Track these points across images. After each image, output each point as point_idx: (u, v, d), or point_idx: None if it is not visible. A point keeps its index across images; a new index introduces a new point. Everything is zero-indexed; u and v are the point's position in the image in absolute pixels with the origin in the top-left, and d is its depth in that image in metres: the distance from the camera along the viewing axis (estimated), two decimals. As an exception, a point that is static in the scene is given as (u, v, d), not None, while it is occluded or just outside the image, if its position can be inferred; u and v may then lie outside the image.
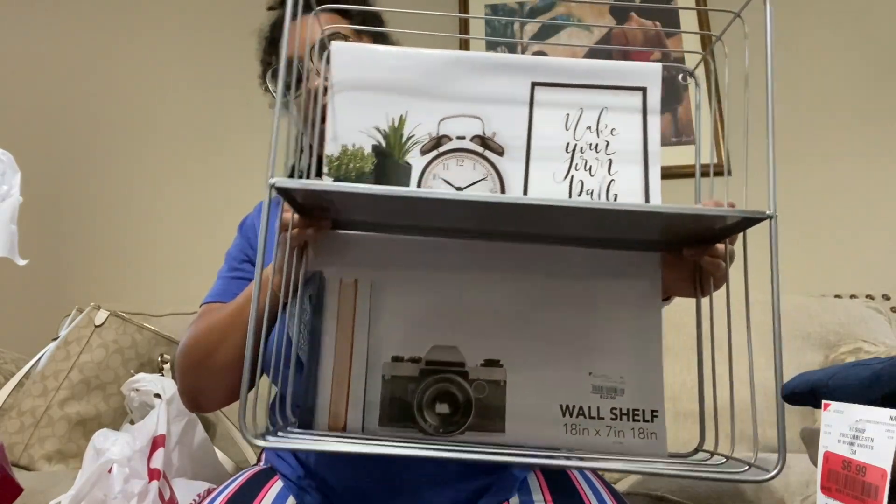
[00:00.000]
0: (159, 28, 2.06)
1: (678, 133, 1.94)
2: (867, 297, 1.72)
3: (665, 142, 1.94)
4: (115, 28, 2.06)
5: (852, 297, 1.70)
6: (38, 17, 2.07)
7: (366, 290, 0.65)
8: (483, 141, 0.65)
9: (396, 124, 0.65)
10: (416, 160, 0.65)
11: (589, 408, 0.63)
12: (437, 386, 0.63)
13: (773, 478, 0.53)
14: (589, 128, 0.66)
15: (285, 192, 0.57)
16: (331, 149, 0.65)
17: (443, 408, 0.62)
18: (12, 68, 2.03)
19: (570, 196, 0.65)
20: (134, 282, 1.84)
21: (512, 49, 2.06)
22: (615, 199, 0.65)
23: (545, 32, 2.06)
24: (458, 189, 0.65)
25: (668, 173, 2.12)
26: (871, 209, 1.85)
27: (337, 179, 0.64)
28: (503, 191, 0.65)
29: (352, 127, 0.65)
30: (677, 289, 0.72)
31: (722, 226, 0.62)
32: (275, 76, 0.82)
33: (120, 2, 2.07)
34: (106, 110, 2.01)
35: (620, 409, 0.63)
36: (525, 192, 0.65)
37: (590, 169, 0.65)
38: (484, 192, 0.64)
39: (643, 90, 0.67)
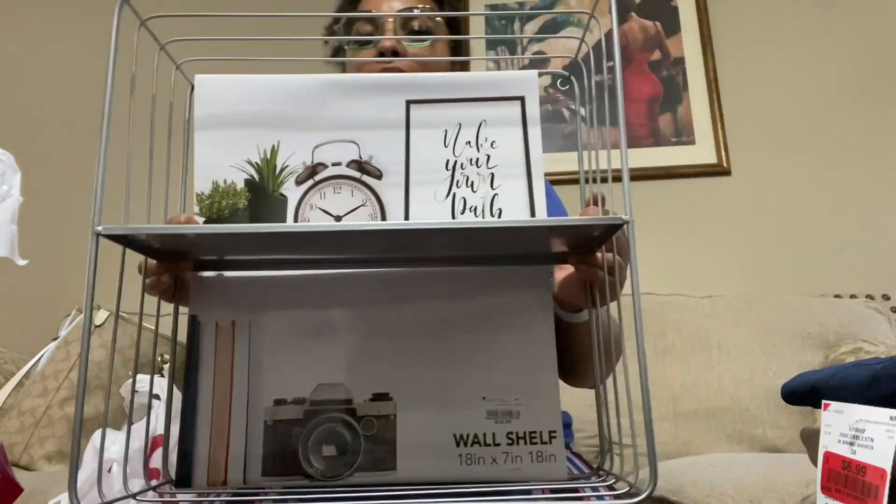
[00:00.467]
0: (161, 28, 2.06)
1: (678, 133, 1.94)
2: (867, 297, 1.72)
3: (665, 142, 1.94)
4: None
5: (852, 297, 1.70)
6: (38, 17, 2.07)
7: (244, 332, 0.62)
8: (360, 166, 0.63)
9: (269, 156, 0.62)
10: (291, 191, 0.62)
11: (484, 434, 0.60)
12: (322, 427, 0.59)
13: (639, 501, 0.50)
14: (468, 143, 0.64)
15: (120, 239, 0.54)
16: (201, 186, 0.62)
17: (330, 450, 0.59)
18: (12, 68, 2.03)
19: (452, 214, 0.62)
20: (134, 282, 1.84)
21: (511, 48, 2.06)
22: (499, 214, 0.63)
23: (544, 32, 2.06)
24: (337, 218, 0.62)
25: (668, 173, 2.12)
26: (871, 209, 1.85)
27: (209, 218, 0.61)
28: (383, 215, 0.62)
29: (221, 162, 0.62)
30: (576, 298, 0.70)
31: (593, 234, 0.59)
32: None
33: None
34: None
35: (517, 434, 0.60)
36: (406, 215, 0.62)
37: (472, 185, 0.63)
38: (360, 220, 0.61)
39: (521, 99, 0.64)
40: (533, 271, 0.65)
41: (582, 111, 0.72)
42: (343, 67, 0.98)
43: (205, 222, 0.61)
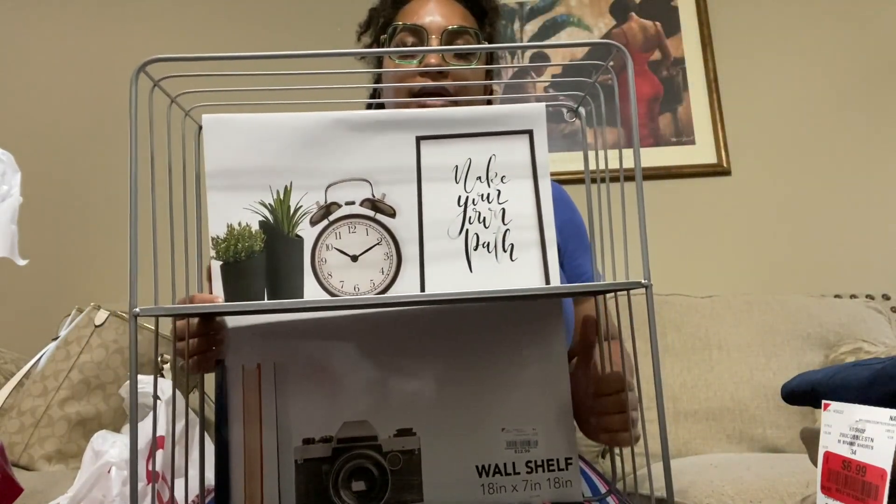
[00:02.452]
0: (160, 27, 2.06)
1: (678, 133, 1.94)
2: (867, 297, 1.72)
3: (665, 142, 1.94)
4: (114, 27, 2.06)
5: (852, 297, 1.70)
6: (38, 17, 2.07)
7: (269, 374, 0.63)
8: (373, 204, 0.63)
9: (282, 196, 0.62)
10: (306, 231, 0.62)
11: (504, 465, 0.63)
12: (351, 464, 0.62)
13: None
14: (479, 178, 0.64)
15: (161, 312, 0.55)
16: (215, 230, 0.62)
17: (359, 485, 0.61)
18: (12, 68, 2.03)
19: (465, 251, 0.63)
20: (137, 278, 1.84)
21: (512, 50, 2.06)
22: (511, 250, 0.63)
23: (544, 32, 2.06)
24: (353, 258, 0.62)
25: (668, 173, 2.12)
26: (872, 209, 1.85)
27: (226, 262, 0.61)
28: (399, 253, 0.63)
29: (235, 204, 0.62)
30: (595, 436, 0.74)
31: (602, 290, 0.62)
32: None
33: (119, 1, 2.07)
34: (107, 110, 2.01)
35: (535, 462, 0.63)
36: (421, 253, 0.63)
37: (483, 220, 0.64)
38: (377, 262, 0.62)
39: (529, 133, 0.65)
40: (544, 304, 0.67)
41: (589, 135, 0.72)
42: (378, 77, 0.97)
43: (221, 266, 0.62)
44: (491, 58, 1.00)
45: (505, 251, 0.63)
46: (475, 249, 0.63)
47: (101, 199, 1.93)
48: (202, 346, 0.64)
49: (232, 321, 0.65)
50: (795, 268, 1.83)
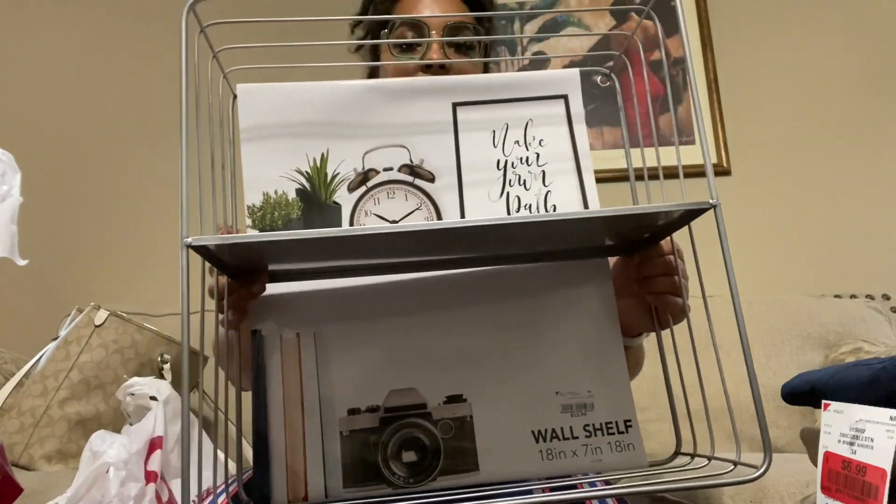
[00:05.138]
0: (159, 26, 2.06)
1: (678, 133, 1.94)
2: (867, 297, 1.72)
3: (665, 141, 1.94)
4: (115, 27, 2.05)
5: (852, 297, 1.70)
6: (38, 17, 2.07)
7: (309, 343, 0.60)
8: (412, 170, 0.62)
9: (318, 164, 0.61)
10: (344, 198, 0.61)
11: (562, 429, 0.60)
12: (400, 433, 0.58)
13: (760, 476, 0.50)
14: (517, 142, 0.64)
15: (205, 252, 0.52)
16: (251, 198, 0.60)
17: (410, 456, 0.58)
18: (12, 68, 2.03)
19: (507, 213, 0.62)
20: (134, 282, 1.84)
21: (512, 48, 2.06)
22: (554, 210, 0.63)
23: (544, 32, 2.06)
24: (393, 222, 0.61)
25: (668, 173, 2.12)
26: (872, 209, 1.85)
27: (262, 229, 0.59)
28: (439, 217, 0.62)
29: (271, 173, 0.61)
30: (639, 322, 0.70)
31: (665, 222, 0.60)
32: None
33: (120, 1, 2.07)
34: (107, 110, 2.01)
35: (593, 425, 0.61)
36: (462, 215, 0.62)
37: (524, 183, 0.63)
38: (420, 222, 0.60)
39: (564, 97, 0.65)
40: (592, 264, 0.65)
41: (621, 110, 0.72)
42: (374, 70, 0.96)
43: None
44: (487, 55, 1.00)
45: (547, 211, 0.63)
46: (517, 211, 0.63)
47: (101, 199, 1.93)
48: (238, 301, 0.61)
49: (269, 288, 0.62)
50: (795, 268, 1.83)
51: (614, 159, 1.82)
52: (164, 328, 1.46)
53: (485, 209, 0.62)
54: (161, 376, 1.35)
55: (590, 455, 0.60)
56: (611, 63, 0.70)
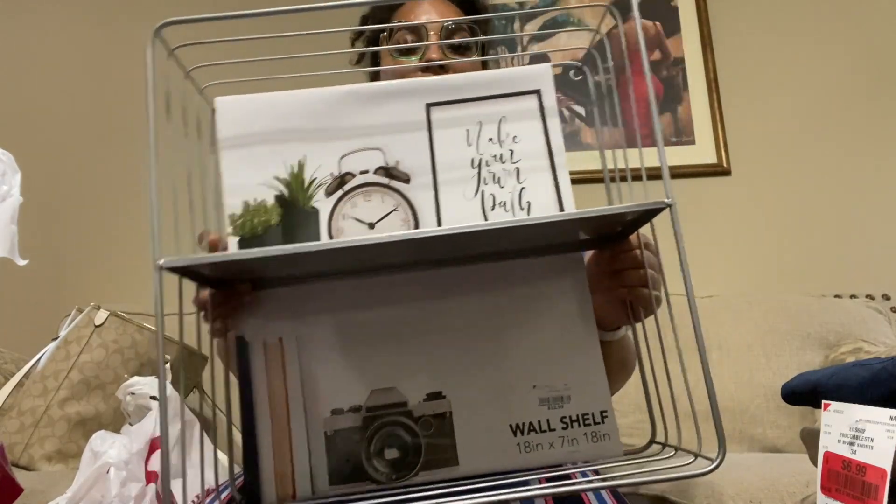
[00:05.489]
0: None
1: (678, 133, 1.94)
2: (867, 297, 1.72)
3: (665, 142, 1.94)
4: (115, 27, 2.06)
5: (852, 297, 1.70)
6: (38, 17, 2.07)
7: (292, 347, 0.63)
8: (387, 171, 0.63)
9: (296, 170, 0.63)
10: (322, 203, 0.63)
11: (539, 422, 0.62)
12: (382, 432, 0.61)
13: (713, 469, 0.52)
14: (490, 139, 0.65)
15: (182, 271, 0.54)
16: (231, 206, 0.62)
17: (392, 453, 0.61)
18: (12, 68, 2.03)
19: (482, 211, 0.63)
20: (134, 282, 1.84)
21: (512, 48, 2.06)
22: (528, 207, 0.63)
23: (545, 31, 2.06)
24: (371, 225, 0.63)
25: (669, 173, 2.10)
26: (872, 209, 1.85)
27: (242, 237, 0.61)
28: (415, 218, 0.63)
29: (250, 181, 0.62)
30: (616, 316, 0.73)
31: (632, 219, 0.62)
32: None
33: (120, 1, 2.07)
34: (107, 110, 2.01)
35: (570, 417, 0.62)
36: (438, 216, 0.63)
37: (499, 181, 0.64)
38: (394, 228, 0.62)
39: (537, 92, 0.65)
40: (566, 259, 0.66)
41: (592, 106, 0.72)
42: (376, 75, 0.99)
43: (239, 241, 0.62)
44: (486, 55, 1.03)
45: (522, 209, 0.63)
46: (492, 209, 0.63)
47: (101, 199, 1.93)
48: (224, 311, 0.64)
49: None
50: (795, 268, 1.83)
51: (612, 160, 1.82)
52: (165, 328, 1.46)
53: (460, 208, 0.63)
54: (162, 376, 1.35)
55: (566, 446, 0.62)
56: (582, 58, 0.71)
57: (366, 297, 0.65)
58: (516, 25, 2.07)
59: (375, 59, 1.01)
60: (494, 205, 0.63)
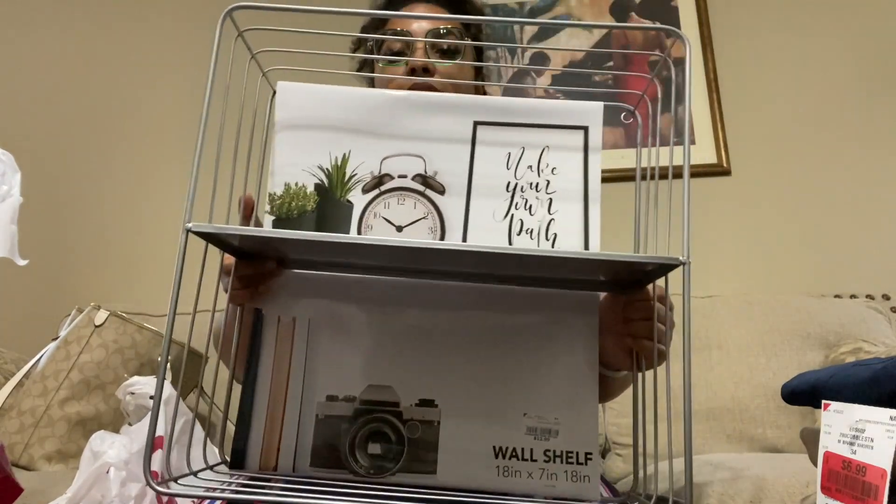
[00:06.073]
0: (160, 26, 2.06)
1: (678, 134, 1.94)
2: (867, 297, 1.72)
3: (665, 142, 1.94)
4: (115, 27, 2.06)
5: (852, 297, 1.70)
6: (38, 18, 2.07)
7: (303, 328, 0.66)
8: (424, 180, 0.65)
9: (339, 163, 0.66)
10: (357, 198, 0.65)
11: (522, 449, 0.63)
12: (370, 426, 0.63)
13: None
14: (530, 167, 0.66)
15: (209, 237, 0.57)
16: (274, 186, 0.65)
17: (375, 448, 0.62)
18: (12, 68, 2.02)
19: (509, 234, 0.65)
20: (134, 282, 1.84)
21: (511, 50, 2.06)
22: (554, 239, 0.65)
23: (544, 33, 2.06)
24: (399, 228, 0.65)
25: (668, 173, 2.11)
26: (871, 209, 1.85)
27: (278, 218, 0.64)
28: (443, 229, 0.65)
29: (295, 165, 0.65)
30: (620, 363, 0.72)
31: (644, 271, 0.62)
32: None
33: (120, 2, 2.07)
34: (107, 110, 2.01)
35: (554, 452, 0.63)
36: (465, 231, 0.64)
37: (530, 208, 0.65)
38: (421, 235, 0.64)
39: (585, 129, 0.66)
40: (582, 297, 0.67)
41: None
42: (371, 82, 1.01)
43: (273, 221, 0.65)
44: (479, 58, 1.03)
45: (547, 240, 0.64)
46: (518, 234, 0.65)
47: (101, 199, 1.93)
48: (247, 281, 0.67)
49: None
50: (795, 268, 1.83)
51: (613, 159, 1.82)
52: (164, 328, 1.46)
53: (488, 227, 0.65)
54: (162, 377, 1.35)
55: (545, 479, 0.62)
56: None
57: (382, 295, 0.67)
58: (515, 28, 2.07)
59: (372, 70, 1.02)
60: (521, 230, 0.65)
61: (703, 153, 1.91)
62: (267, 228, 0.63)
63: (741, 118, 1.94)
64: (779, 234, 1.86)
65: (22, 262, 0.71)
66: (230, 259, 0.66)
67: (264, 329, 0.66)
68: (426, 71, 0.89)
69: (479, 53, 1.02)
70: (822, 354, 1.49)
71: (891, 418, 0.44)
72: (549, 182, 0.65)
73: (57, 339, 1.44)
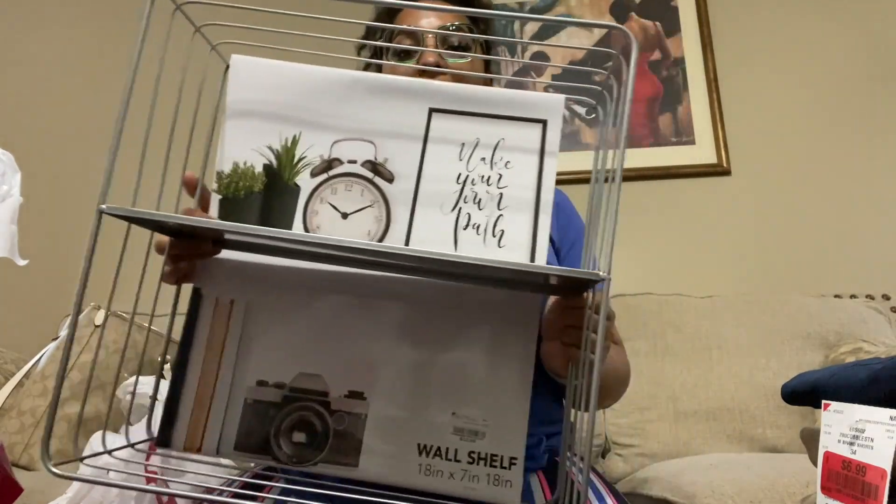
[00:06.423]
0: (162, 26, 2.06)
1: (678, 133, 1.94)
2: (867, 297, 1.72)
3: (665, 142, 1.94)
4: (114, 27, 2.06)
5: (852, 297, 1.70)
6: (38, 17, 2.07)
7: (240, 311, 0.65)
8: (374, 166, 0.63)
9: (289, 144, 0.64)
10: (305, 182, 0.63)
11: (447, 449, 0.62)
12: (296, 414, 0.62)
13: None
14: (483, 159, 0.63)
15: (127, 219, 0.56)
16: (222, 165, 0.64)
17: (300, 436, 0.61)
18: (12, 68, 2.03)
19: (454, 228, 0.62)
20: (134, 282, 1.84)
21: (511, 48, 2.06)
22: (500, 236, 0.62)
23: (544, 32, 2.06)
24: (344, 215, 0.63)
25: (668, 173, 2.12)
26: (871, 209, 1.85)
27: (225, 196, 0.63)
28: (388, 219, 0.63)
29: (245, 144, 0.64)
30: (560, 371, 0.70)
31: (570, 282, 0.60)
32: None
33: (121, 2, 2.07)
34: (107, 110, 2.01)
35: (479, 454, 0.61)
36: (410, 223, 0.62)
37: (479, 202, 0.63)
38: (366, 223, 0.62)
39: (543, 123, 0.63)
40: (523, 298, 0.65)
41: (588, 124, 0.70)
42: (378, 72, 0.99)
43: (220, 200, 0.63)
44: (488, 54, 1.01)
45: (494, 236, 0.62)
46: (464, 229, 0.63)
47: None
48: (183, 259, 0.65)
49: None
50: (795, 268, 1.83)
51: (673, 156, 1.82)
52: (164, 328, 1.46)
53: (434, 220, 0.63)
54: (162, 376, 1.35)
55: (465, 481, 0.61)
56: (602, 74, 0.67)
57: (321, 283, 0.65)
58: (516, 26, 2.07)
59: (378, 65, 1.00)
60: (468, 224, 0.62)
61: (703, 153, 1.92)
62: (181, 216, 0.60)
63: (741, 118, 1.94)
64: (779, 234, 1.86)
65: (22, 262, 0.71)
66: (163, 238, 0.65)
67: (201, 309, 0.65)
68: (438, 69, 0.88)
69: (487, 50, 1.01)
70: (822, 354, 1.49)
71: (891, 418, 0.44)
72: (501, 176, 0.63)
73: (57, 339, 1.44)
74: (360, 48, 1.03)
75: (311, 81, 0.64)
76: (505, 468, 0.61)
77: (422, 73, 0.88)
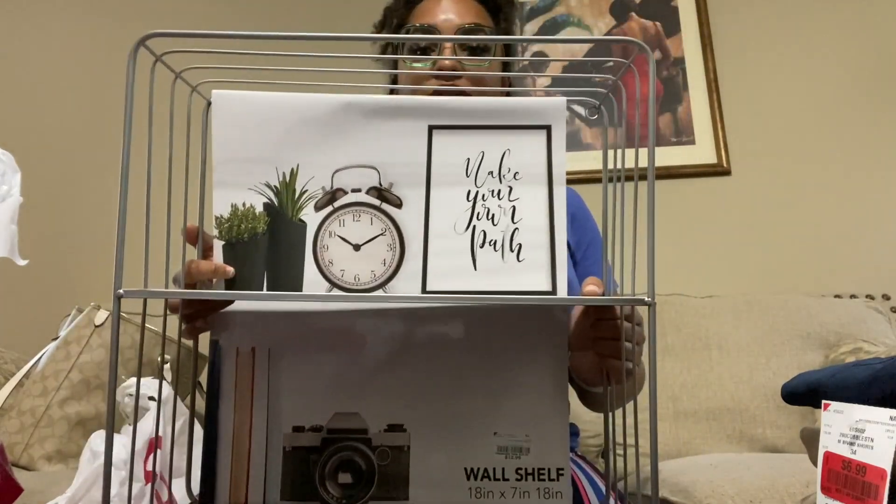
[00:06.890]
0: (159, 25, 2.06)
1: (678, 133, 1.94)
2: (867, 297, 1.72)
3: (665, 142, 1.94)
4: (114, 27, 2.06)
5: (852, 297, 1.70)
6: (38, 17, 2.07)
7: (263, 358, 0.63)
8: (380, 193, 0.61)
9: (288, 179, 0.61)
10: (310, 216, 0.61)
11: (494, 469, 0.61)
12: (339, 455, 0.61)
13: None
14: (491, 173, 0.62)
15: (143, 298, 0.56)
16: (219, 209, 0.61)
17: (345, 477, 0.61)
18: (12, 68, 2.02)
19: (471, 248, 0.61)
20: (134, 282, 1.84)
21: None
22: (518, 250, 0.61)
23: (544, 32, 2.06)
24: (356, 247, 0.61)
25: (668, 173, 2.13)
26: (871, 209, 1.85)
27: (228, 242, 0.60)
28: (402, 245, 0.61)
29: (240, 184, 0.60)
30: (592, 379, 0.71)
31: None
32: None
33: (121, 2, 2.07)
34: (107, 110, 2.01)
35: (525, 469, 0.62)
36: (425, 247, 0.61)
37: (492, 218, 0.61)
38: (380, 253, 0.61)
39: (547, 128, 0.62)
40: (550, 311, 0.65)
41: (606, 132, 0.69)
42: (395, 78, 0.95)
43: (224, 246, 0.61)
44: (508, 53, 0.97)
45: (512, 251, 0.61)
46: (481, 247, 0.61)
47: (101, 199, 1.93)
48: (200, 312, 0.64)
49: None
50: (795, 268, 1.83)
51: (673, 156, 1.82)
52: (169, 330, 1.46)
53: (449, 242, 0.61)
54: (161, 376, 1.35)
55: (517, 498, 0.61)
56: (606, 81, 0.66)
57: (343, 321, 0.64)
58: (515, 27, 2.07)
59: (395, 62, 0.96)
60: (485, 242, 0.61)
61: (703, 153, 1.92)
62: (198, 290, 0.60)
63: (741, 118, 1.94)
64: (778, 234, 1.86)
65: (22, 262, 0.70)
66: (175, 299, 0.63)
67: (223, 361, 0.63)
68: (455, 74, 0.85)
69: (508, 51, 0.97)
70: (822, 354, 1.49)
71: (891, 418, 0.44)
72: (511, 189, 0.62)
73: (57, 339, 1.44)
74: (385, 46, 0.98)
75: (300, 110, 0.61)
76: (553, 480, 0.62)
77: (438, 77, 0.85)
